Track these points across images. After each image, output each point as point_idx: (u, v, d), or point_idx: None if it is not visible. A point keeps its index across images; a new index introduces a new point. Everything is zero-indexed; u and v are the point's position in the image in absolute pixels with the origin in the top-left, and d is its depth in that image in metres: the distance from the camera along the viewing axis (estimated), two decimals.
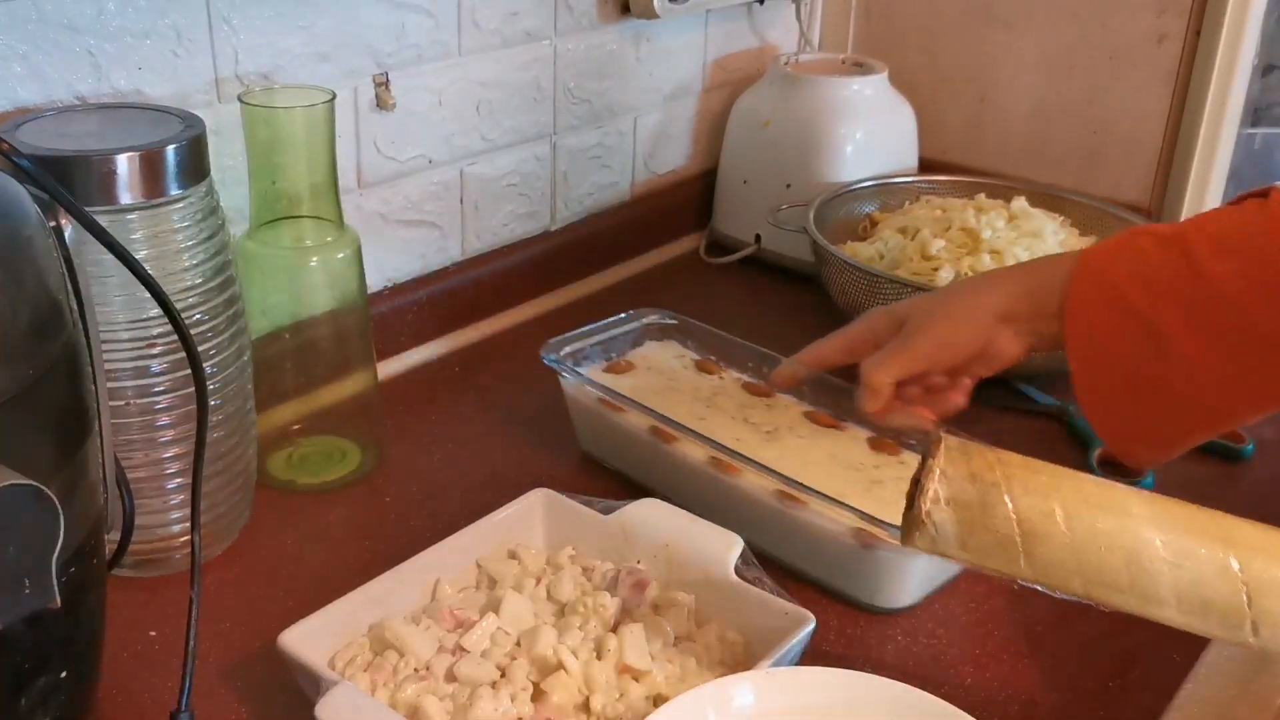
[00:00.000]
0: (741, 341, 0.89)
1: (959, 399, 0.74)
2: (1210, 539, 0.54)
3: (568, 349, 0.87)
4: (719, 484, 0.77)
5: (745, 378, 0.88)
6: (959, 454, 0.55)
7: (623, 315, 0.92)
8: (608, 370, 0.88)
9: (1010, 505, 0.54)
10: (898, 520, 0.67)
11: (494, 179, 1.07)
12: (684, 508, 0.72)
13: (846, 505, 0.70)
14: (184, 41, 0.81)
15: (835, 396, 0.83)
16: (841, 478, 0.76)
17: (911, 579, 0.72)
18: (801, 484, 0.72)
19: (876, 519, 0.69)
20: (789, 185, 1.18)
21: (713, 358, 0.90)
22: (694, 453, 0.78)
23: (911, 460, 0.78)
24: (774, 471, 0.73)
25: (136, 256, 0.57)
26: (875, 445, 0.80)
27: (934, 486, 0.54)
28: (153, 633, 0.69)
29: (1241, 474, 0.90)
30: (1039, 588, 0.56)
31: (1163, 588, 0.53)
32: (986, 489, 0.54)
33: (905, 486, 0.71)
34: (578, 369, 0.86)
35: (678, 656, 0.63)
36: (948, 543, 0.55)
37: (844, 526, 0.71)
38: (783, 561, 0.75)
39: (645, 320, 0.92)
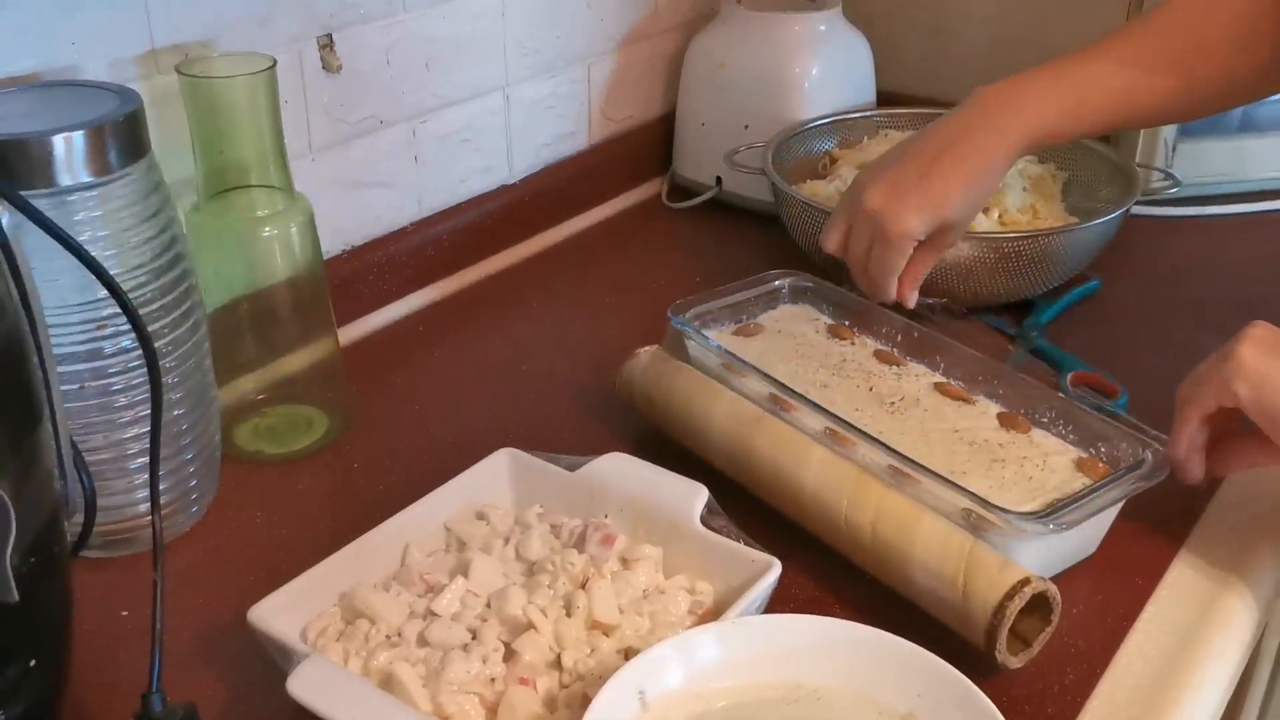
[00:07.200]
0: (881, 308, 0.85)
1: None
2: None
3: (694, 311, 0.83)
4: None
5: (878, 345, 0.84)
6: None
7: (756, 277, 0.88)
8: (737, 333, 0.85)
9: None
10: (1010, 504, 0.66)
11: (447, 135, 1.06)
12: None
13: (956, 484, 0.66)
14: (117, 12, 0.79)
15: (969, 367, 0.79)
16: (964, 455, 0.72)
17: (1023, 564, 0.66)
18: (912, 460, 0.68)
19: (986, 500, 0.65)
20: (747, 126, 1.17)
21: (847, 323, 0.86)
22: (811, 423, 0.74)
23: (1042, 439, 0.73)
24: (885, 445, 0.70)
25: (80, 238, 0.57)
26: (1005, 421, 0.75)
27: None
28: (125, 612, 0.69)
29: None
30: None
31: None
32: None
33: (1029, 468, 0.71)
34: (704, 332, 0.82)
35: (647, 609, 0.63)
36: None
37: (955, 507, 0.67)
38: None
39: (778, 283, 0.88)
